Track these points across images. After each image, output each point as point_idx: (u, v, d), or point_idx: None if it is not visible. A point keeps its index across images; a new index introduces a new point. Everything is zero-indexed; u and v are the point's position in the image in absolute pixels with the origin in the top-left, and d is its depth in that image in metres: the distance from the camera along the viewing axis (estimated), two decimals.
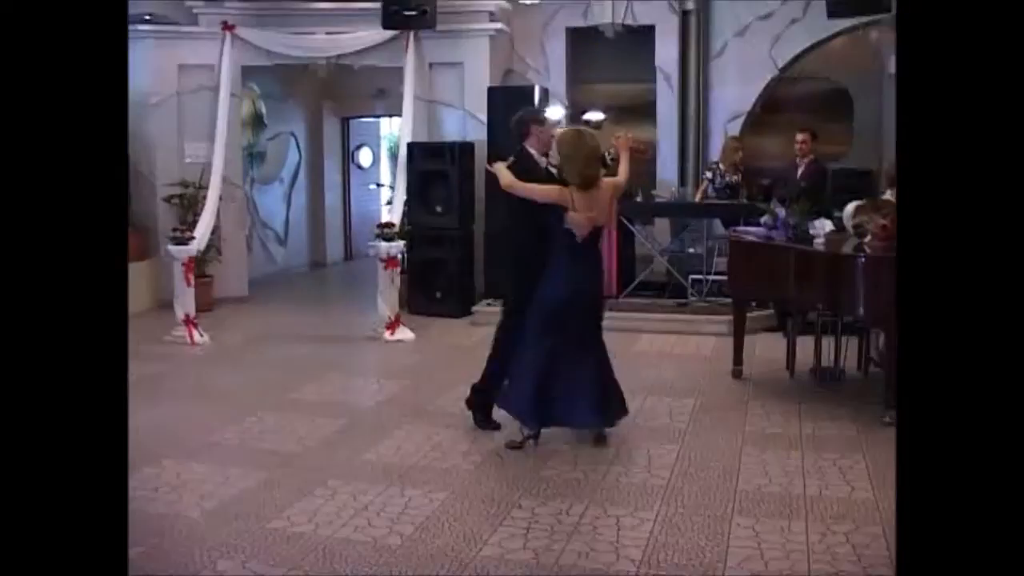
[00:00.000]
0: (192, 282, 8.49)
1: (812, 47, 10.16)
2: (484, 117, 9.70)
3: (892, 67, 9.60)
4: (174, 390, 6.80)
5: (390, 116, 13.39)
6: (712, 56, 10.40)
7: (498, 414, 5.60)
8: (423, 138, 9.99)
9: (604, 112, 10.54)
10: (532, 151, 5.51)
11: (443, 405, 6.19)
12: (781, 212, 6.71)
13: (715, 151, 10.09)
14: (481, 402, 5.68)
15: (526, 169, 5.38)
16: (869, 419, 5.70)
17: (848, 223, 6.22)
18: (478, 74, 10.03)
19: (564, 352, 5.28)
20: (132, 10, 9.41)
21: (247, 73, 10.68)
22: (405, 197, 9.61)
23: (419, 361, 7.74)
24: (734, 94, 10.39)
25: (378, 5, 9.71)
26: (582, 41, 10.85)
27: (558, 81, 10.72)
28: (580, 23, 10.68)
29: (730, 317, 7.41)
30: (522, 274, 5.45)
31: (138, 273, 9.58)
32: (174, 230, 8.83)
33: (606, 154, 6.33)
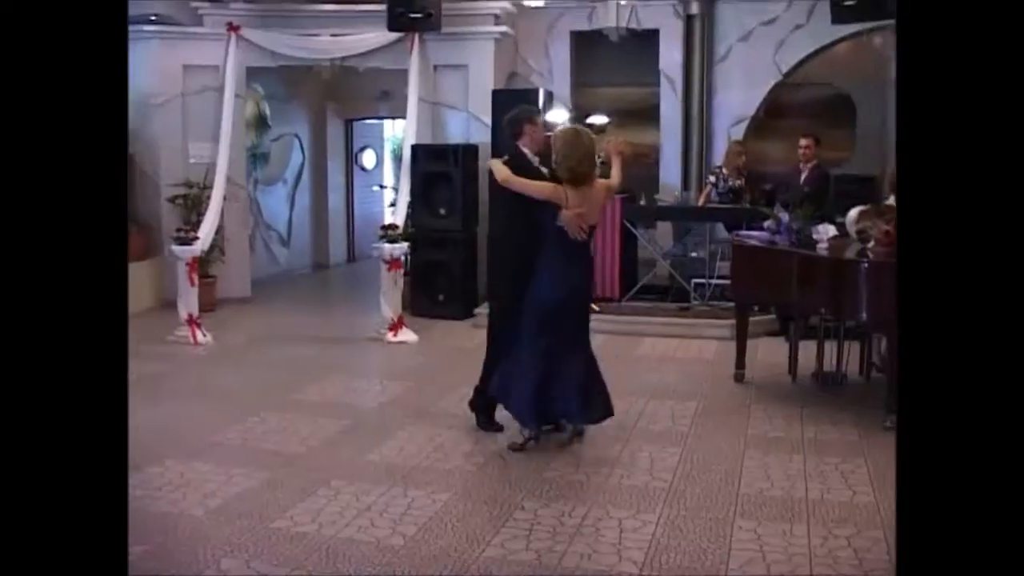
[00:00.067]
0: (195, 282, 8.50)
1: (816, 53, 10.17)
2: (488, 120, 9.70)
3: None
4: (177, 390, 6.82)
5: (394, 118, 13.39)
6: (716, 61, 10.42)
7: (501, 415, 5.62)
8: (427, 140, 10.00)
9: (608, 116, 10.55)
10: (525, 150, 5.54)
11: (446, 407, 6.20)
12: (784, 217, 6.74)
13: (718, 155, 10.10)
14: (483, 403, 5.70)
15: (520, 167, 5.40)
16: (871, 424, 5.71)
17: (851, 228, 6.24)
18: (482, 77, 10.06)
19: (560, 351, 5.31)
20: (137, 10, 9.47)
21: (251, 74, 10.70)
22: (409, 199, 9.63)
23: (422, 363, 7.75)
24: (738, 99, 10.41)
25: (383, 7, 9.73)
26: (586, 45, 10.87)
27: (562, 84, 10.73)
28: (584, 27, 10.70)
29: (732, 321, 7.43)
30: (518, 272, 5.44)
31: (142, 273, 9.62)
32: (178, 230, 8.85)
33: (596, 157, 6.36)
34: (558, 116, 9.44)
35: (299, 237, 13.08)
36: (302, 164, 13.10)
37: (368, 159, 14.20)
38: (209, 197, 9.63)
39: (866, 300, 5.75)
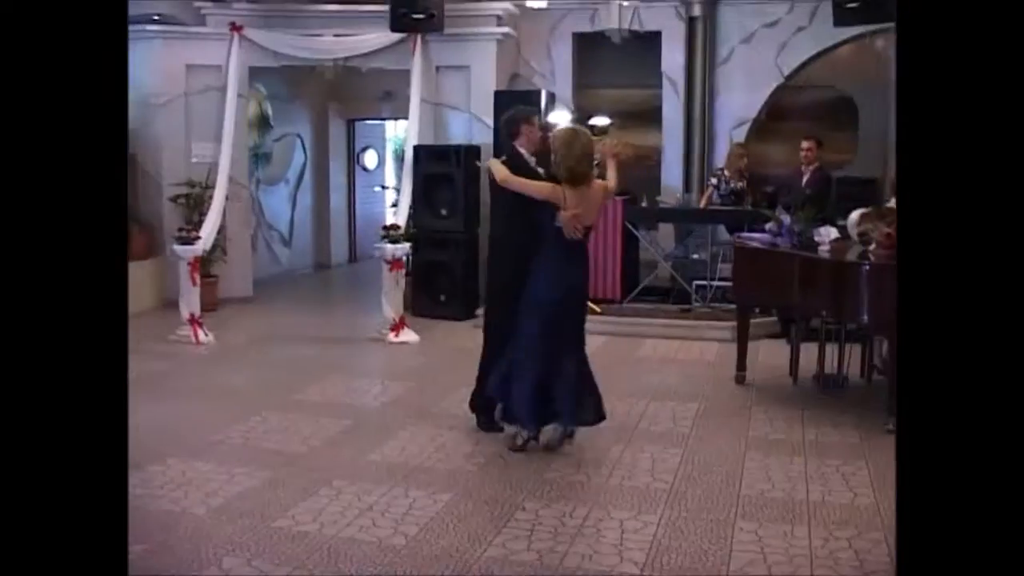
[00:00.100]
0: (197, 282, 8.51)
1: (818, 55, 10.19)
2: (490, 121, 9.71)
3: None
4: (178, 389, 6.82)
5: (396, 119, 13.42)
6: (718, 63, 10.43)
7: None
8: (429, 141, 10.01)
9: (610, 117, 10.56)
10: (522, 150, 5.55)
11: (447, 407, 6.21)
12: (786, 219, 6.74)
13: (720, 157, 10.11)
14: (483, 404, 5.70)
15: (516, 168, 5.42)
16: (872, 426, 5.71)
17: (853, 231, 6.24)
18: (485, 78, 10.07)
19: (557, 351, 5.32)
20: (140, 10, 9.49)
21: (254, 74, 10.70)
22: (410, 200, 9.64)
23: (423, 363, 7.76)
24: (740, 101, 10.42)
25: (386, 8, 9.74)
26: (589, 46, 10.88)
27: (564, 86, 10.74)
28: (587, 28, 10.71)
29: (734, 323, 7.43)
30: (517, 272, 5.44)
31: (144, 272, 9.63)
32: (180, 230, 8.87)
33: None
34: (560, 117, 9.45)
35: (301, 237, 13.10)
36: (304, 164, 13.12)
37: (370, 159, 14.22)
38: (211, 197, 9.64)
39: (867, 302, 5.75)
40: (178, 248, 8.55)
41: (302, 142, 13.05)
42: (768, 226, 6.93)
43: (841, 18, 9.13)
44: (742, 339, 7.02)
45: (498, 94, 9.78)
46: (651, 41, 10.54)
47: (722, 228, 9.44)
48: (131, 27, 8.83)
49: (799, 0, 10.05)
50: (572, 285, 5.39)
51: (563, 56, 10.83)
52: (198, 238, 8.73)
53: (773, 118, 10.56)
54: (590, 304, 8.24)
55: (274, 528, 4.23)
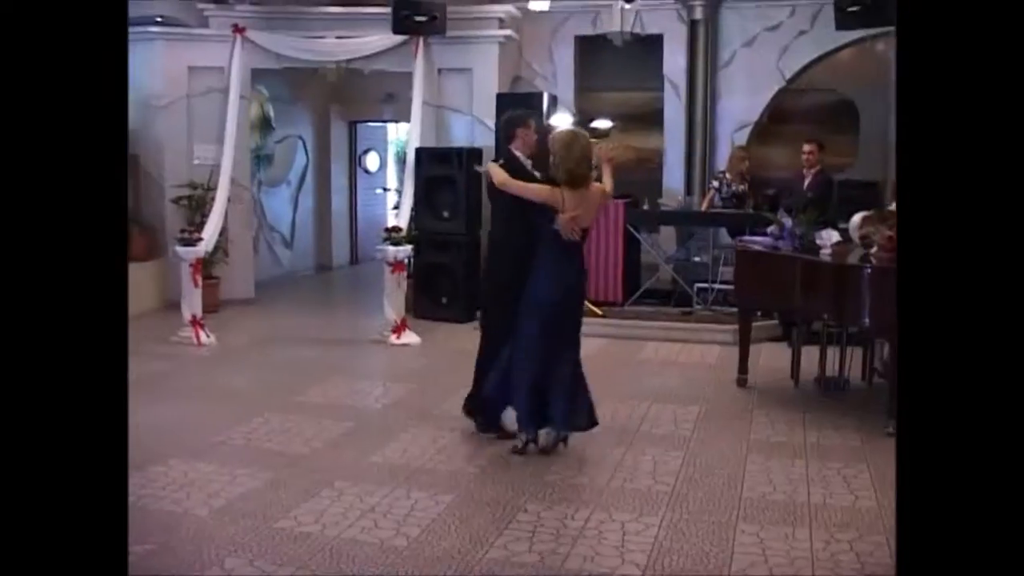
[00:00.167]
0: (199, 283, 8.52)
1: (819, 58, 10.20)
2: (492, 123, 9.70)
3: None
4: (180, 390, 6.83)
5: (398, 121, 13.42)
6: (720, 66, 10.43)
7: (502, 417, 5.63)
8: (431, 143, 10.02)
9: (612, 120, 10.57)
10: (518, 153, 5.56)
11: (448, 409, 6.21)
12: (787, 222, 6.75)
13: (722, 160, 10.12)
14: (479, 406, 5.70)
15: (513, 171, 5.43)
16: (873, 429, 5.72)
17: (854, 234, 6.25)
18: (487, 80, 10.08)
19: (555, 352, 5.33)
20: (143, 12, 9.50)
21: (256, 76, 10.71)
22: (412, 202, 9.64)
23: (425, 365, 7.77)
24: (741, 104, 10.43)
25: (388, 10, 9.76)
26: (590, 49, 10.89)
27: (566, 88, 10.76)
28: (589, 31, 10.72)
29: (735, 326, 7.44)
30: (516, 274, 5.44)
31: (145, 273, 9.64)
32: (182, 231, 8.87)
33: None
34: (562, 120, 9.46)
35: (302, 239, 13.11)
36: (306, 166, 13.13)
37: (372, 162, 14.22)
38: (213, 198, 9.65)
39: (869, 305, 5.76)
40: (180, 250, 8.57)
41: (304, 144, 13.06)
42: (770, 229, 6.94)
43: (842, 22, 9.14)
44: (744, 342, 7.03)
45: (500, 97, 9.79)
46: (653, 44, 10.55)
47: (723, 231, 9.44)
48: (134, 29, 8.87)
49: (801, 4, 10.07)
50: (571, 285, 5.40)
51: (565, 59, 10.84)
52: (200, 240, 8.74)
53: (774, 121, 10.57)
54: (591, 307, 8.30)
55: (276, 529, 4.23)
